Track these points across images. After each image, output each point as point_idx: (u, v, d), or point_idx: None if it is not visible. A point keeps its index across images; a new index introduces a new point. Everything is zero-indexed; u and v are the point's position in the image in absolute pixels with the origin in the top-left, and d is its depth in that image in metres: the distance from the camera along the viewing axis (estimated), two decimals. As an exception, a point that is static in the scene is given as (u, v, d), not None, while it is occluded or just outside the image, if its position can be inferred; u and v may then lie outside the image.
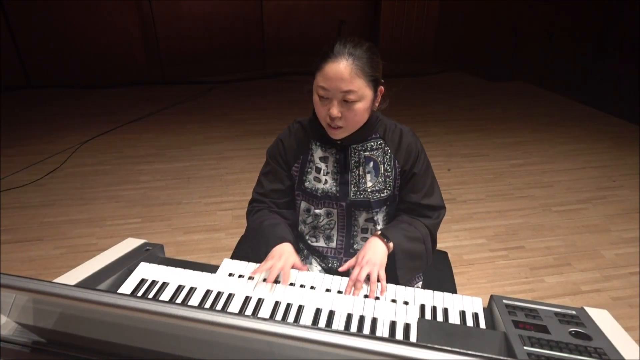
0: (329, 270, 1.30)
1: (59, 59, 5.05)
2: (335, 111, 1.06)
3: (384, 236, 1.15)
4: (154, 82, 5.36)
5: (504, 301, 0.99)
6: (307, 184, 1.23)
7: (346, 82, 1.03)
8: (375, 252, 1.12)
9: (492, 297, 1.02)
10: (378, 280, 1.08)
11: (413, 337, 0.91)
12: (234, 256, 1.50)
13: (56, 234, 2.57)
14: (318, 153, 1.22)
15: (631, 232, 2.64)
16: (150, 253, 1.19)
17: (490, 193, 3.06)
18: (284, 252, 1.11)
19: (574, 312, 0.95)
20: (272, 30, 5.68)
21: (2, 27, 4.70)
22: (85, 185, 3.10)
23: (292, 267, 1.11)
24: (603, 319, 0.93)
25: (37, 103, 4.69)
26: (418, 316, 0.97)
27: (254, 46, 5.74)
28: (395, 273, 1.15)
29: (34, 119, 4.26)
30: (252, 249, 1.23)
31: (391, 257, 1.15)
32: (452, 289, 1.39)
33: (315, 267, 1.31)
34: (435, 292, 1.08)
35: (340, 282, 1.11)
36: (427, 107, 4.71)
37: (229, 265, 1.16)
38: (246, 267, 1.16)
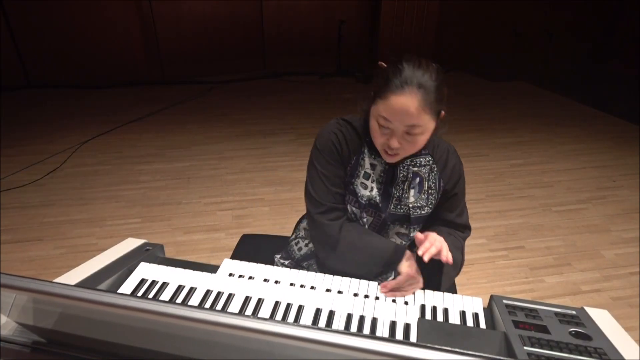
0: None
1: (59, 59, 5.05)
2: (395, 143, 1.02)
3: None
4: (154, 82, 5.36)
5: (504, 301, 0.99)
6: (355, 187, 1.17)
7: (412, 117, 0.97)
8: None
9: (492, 297, 1.02)
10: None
11: (413, 337, 0.91)
12: (234, 256, 1.50)
13: (56, 234, 2.57)
14: (368, 158, 1.17)
15: (631, 232, 2.64)
16: (150, 253, 1.19)
17: (490, 193, 3.06)
18: (414, 276, 1.10)
19: (574, 312, 0.95)
20: (272, 30, 5.68)
21: (2, 27, 4.70)
22: (85, 185, 3.10)
23: None
24: (603, 319, 0.93)
25: (37, 103, 4.69)
26: (418, 316, 0.97)
27: (254, 46, 5.74)
28: (433, 279, 1.14)
29: (34, 119, 4.26)
30: (359, 266, 1.15)
31: (436, 263, 1.12)
32: (452, 289, 1.39)
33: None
34: (436, 292, 1.09)
35: (341, 282, 1.11)
36: (427, 107, 4.70)
37: (229, 265, 1.16)
38: (246, 267, 1.16)
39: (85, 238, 2.54)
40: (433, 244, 1.00)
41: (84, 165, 3.39)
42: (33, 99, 4.82)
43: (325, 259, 1.20)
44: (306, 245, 1.33)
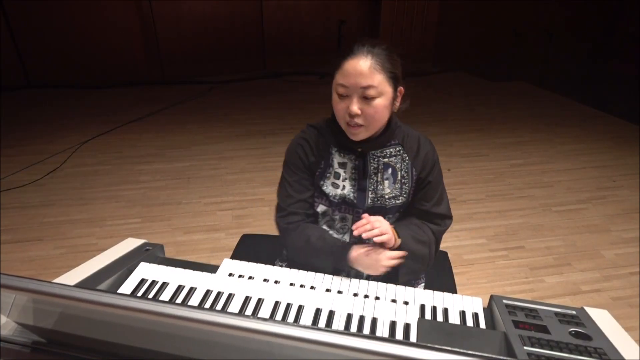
0: (335, 272, 1.29)
1: (59, 59, 5.05)
2: (355, 108, 1.05)
3: (395, 231, 1.15)
4: (154, 82, 5.36)
5: (504, 301, 0.99)
6: (324, 188, 1.21)
7: (365, 77, 1.03)
8: (390, 226, 1.14)
9: (492, 297, 1.02)
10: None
11: (413, 337, 0.91)
12: (234, 256, 1.50)
13: (56, 234, 2.57)
14: (337, 158, 1.20)
15: (631, 232, 2.64)
16: (150, 253, 1.19)
17: (490, 193, 3.06)
18: (361, 253, 1.12)
19: (574, 312, 0.95)
20: (272, 30, 5.68)
21: (2, 27, 4.70)
22: (85, 185, 3.10)
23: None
24: (603, 319, 0.93)
25: (37, 103, 4.70)
26: (418, 316, 0.97)
27: (254, 46, 5.74)
28: (396, 272, 1.15)
29: (34, 119, 4.26)
30: (306, 264, 1.19)
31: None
32: (452, 289, 1.39)
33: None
34: (435, 292, 1.08)
35: (340, 282, 1.11)
36: (427, 107, 4.71)
37: (229, 265, 1.16)
38: (246, 267, 1.16)
39: (85, 238, 2.54)
40: (369, 223, 1.07)
41: (84, 165, 3.40)
42: (33, 99, 4.82)
43: (288, 256, 1.35)
44: None
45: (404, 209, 1.25)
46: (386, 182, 1.19)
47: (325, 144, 1.21)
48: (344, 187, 1.20)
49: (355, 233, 1.06)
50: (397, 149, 1.20)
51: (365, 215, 1.11)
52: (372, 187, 1.19)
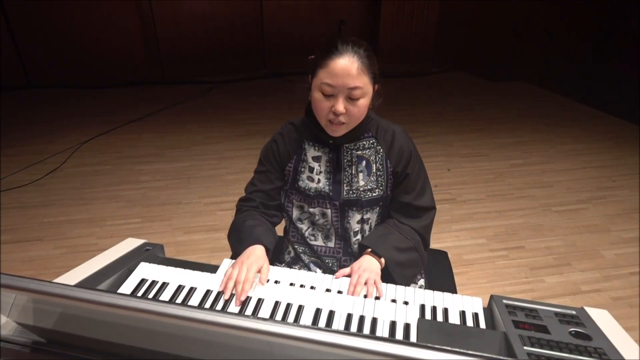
0: (328, 272, 1.29)
1: (59, 59, 5.05)
2: (341, 107, 1.06)
3: (375, 253, 1.15)
4: (154, 82, 5.36)
5: (504, 301, 0.99)
6: (300, 182, 1.23)
7: (353, 78, 1.04)
8: (369, 263, 1.13)
9: (492, 297, 1.02)
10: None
11: (413, 337, 0.91)
12: (234, 256, 1.50)
13: (56, 234, 2.57)
14: (311, 152, 1.23)
15: (631, 232, 2.64)
16: (150, 253, 1.19)
17: (490, 193, 3.06)
18: (251, 255, 1.09)
19: (574, 312, 0.95)
20: (272, 30, 5.68)
21: (2, 27, 4.70)
22: (85, 185, 3.10)
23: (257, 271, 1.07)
24: (603, 319, 0.93)
25: (37, 103, 4.70)
26: (418, 316, 0.97)
27: (254, 46, 5.74)
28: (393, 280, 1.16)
29: (34, 119, 4.27)
30: (231, 247, 1.24)
31: (386, 269, 1.16)
32: (452, 289, 1.39)
33: (320, 272, 1.30)
34: (435, 292, 1.08)
35: (340, 282, 1.11)
36: (427, 107, 4.71)
37: (229, 265, 1.16)
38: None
39: (85, 238, 2.54)
40: (358, 285, 1.06)
41: (84, 165, 3.40)
42: (33, 99, 4.82)
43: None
44: (293, 248, 1.34)
45: (384, 202, 1.24)
46: (360, 174, 1.20)
47: (299, 138, 1.24)
48: (319, 180, 1.21)
49: (359, 295, 1.05)
50: (371, 141, 1.21)
51: (343, 271, 1.12)
52: (347, 180, 1.20)
